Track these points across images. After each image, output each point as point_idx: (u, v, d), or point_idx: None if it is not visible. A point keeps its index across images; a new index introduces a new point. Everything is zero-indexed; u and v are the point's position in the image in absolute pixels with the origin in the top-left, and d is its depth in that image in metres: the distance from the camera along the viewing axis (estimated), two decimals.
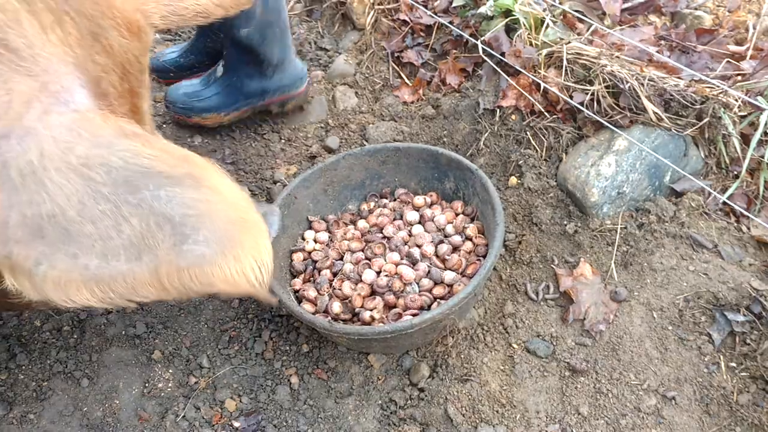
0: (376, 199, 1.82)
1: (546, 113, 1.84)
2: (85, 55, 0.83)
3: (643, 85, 1.70)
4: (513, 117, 1.89)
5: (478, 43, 1.95)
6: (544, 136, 1.84)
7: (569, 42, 1.86)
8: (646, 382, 1.49)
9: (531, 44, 1.91)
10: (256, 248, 0.74)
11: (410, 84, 2.14)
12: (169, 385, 1.59)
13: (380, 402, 1.55)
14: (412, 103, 2.12)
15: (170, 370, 1.61)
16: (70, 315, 1.70)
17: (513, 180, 1.84)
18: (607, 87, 1.75)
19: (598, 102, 1.75)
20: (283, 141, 2.13)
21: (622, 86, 1.72)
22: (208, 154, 2.07)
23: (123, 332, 1.67)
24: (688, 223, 1.67)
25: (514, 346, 1.59)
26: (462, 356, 1.58)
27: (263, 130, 2.15)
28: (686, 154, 1.74)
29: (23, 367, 1.62)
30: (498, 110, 1.91)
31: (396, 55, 2.21)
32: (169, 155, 0.76)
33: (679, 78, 1.74)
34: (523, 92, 1.86)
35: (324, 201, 1.79)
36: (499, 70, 1.91)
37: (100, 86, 0.86)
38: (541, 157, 1.84)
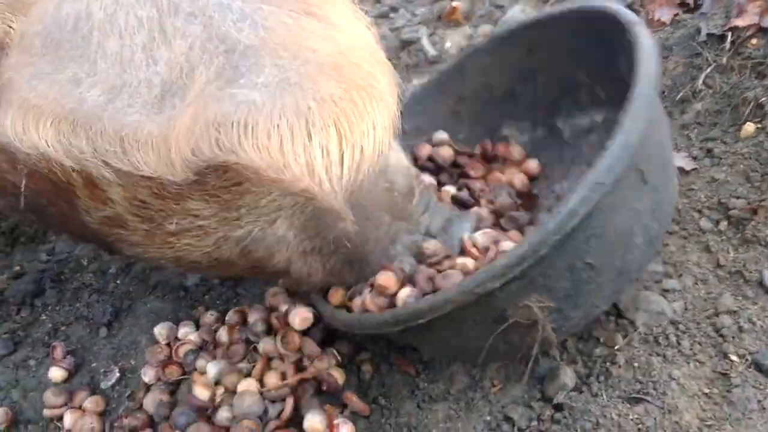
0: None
1: None
2: None
3: None
4: (752, 41, 1.25)
5: None
6: None
7: None
8: None
9: None
10: (356, 121, 0.48)
11: None
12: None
13: (488, 418, 0.95)
14: None
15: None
16: (120, 258, 1.35)
17: (748, 128, 1.19)
18: None
19: None
20: None
21: None
22: None
23: (169, 281, 1.27)
24: None
25: (733, 357, 0.91)
26: (635, 365, 0.94)
27: None
28: None
29: (48, 307, 1.29)
30: (729, 34, 1.28)
31: None
32: None
33: None
34: None
35: (455, 127, 1.22)
36: None
37: None
38: None
